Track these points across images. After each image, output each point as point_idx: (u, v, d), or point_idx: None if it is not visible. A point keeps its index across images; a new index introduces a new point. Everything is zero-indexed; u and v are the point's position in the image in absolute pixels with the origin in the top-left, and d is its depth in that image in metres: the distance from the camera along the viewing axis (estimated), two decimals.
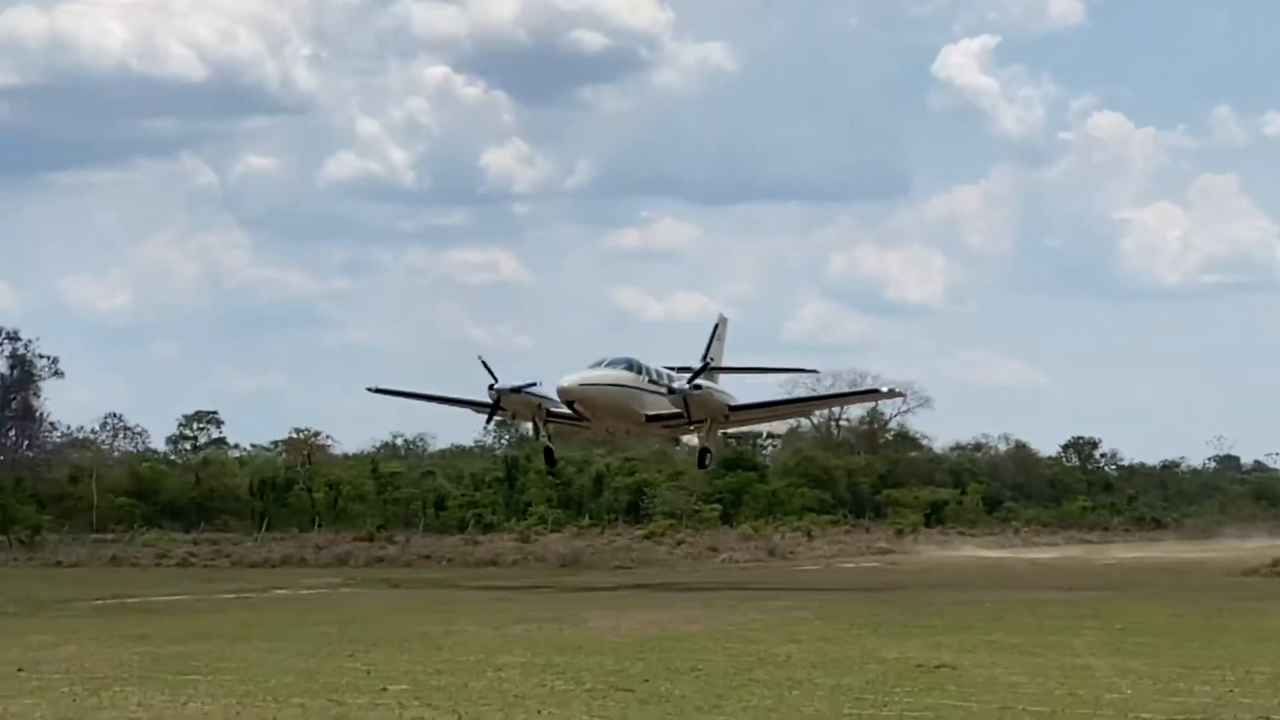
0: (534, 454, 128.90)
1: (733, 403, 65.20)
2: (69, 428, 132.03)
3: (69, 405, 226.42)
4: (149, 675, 28.84)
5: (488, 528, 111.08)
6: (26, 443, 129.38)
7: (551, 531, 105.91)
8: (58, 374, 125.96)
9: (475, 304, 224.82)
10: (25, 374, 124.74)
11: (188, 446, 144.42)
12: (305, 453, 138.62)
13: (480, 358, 64.68)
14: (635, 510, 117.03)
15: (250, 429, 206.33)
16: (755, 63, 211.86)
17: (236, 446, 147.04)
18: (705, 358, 68.55)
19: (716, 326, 71.08)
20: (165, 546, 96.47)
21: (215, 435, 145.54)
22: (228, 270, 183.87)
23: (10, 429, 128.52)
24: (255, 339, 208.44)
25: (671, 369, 66.96)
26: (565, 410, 62.90)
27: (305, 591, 62.30)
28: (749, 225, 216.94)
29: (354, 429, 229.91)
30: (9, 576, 75.05)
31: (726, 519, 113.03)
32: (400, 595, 59.51)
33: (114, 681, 27.81)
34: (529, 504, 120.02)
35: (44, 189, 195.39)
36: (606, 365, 62.56)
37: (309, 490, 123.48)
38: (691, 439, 71.89)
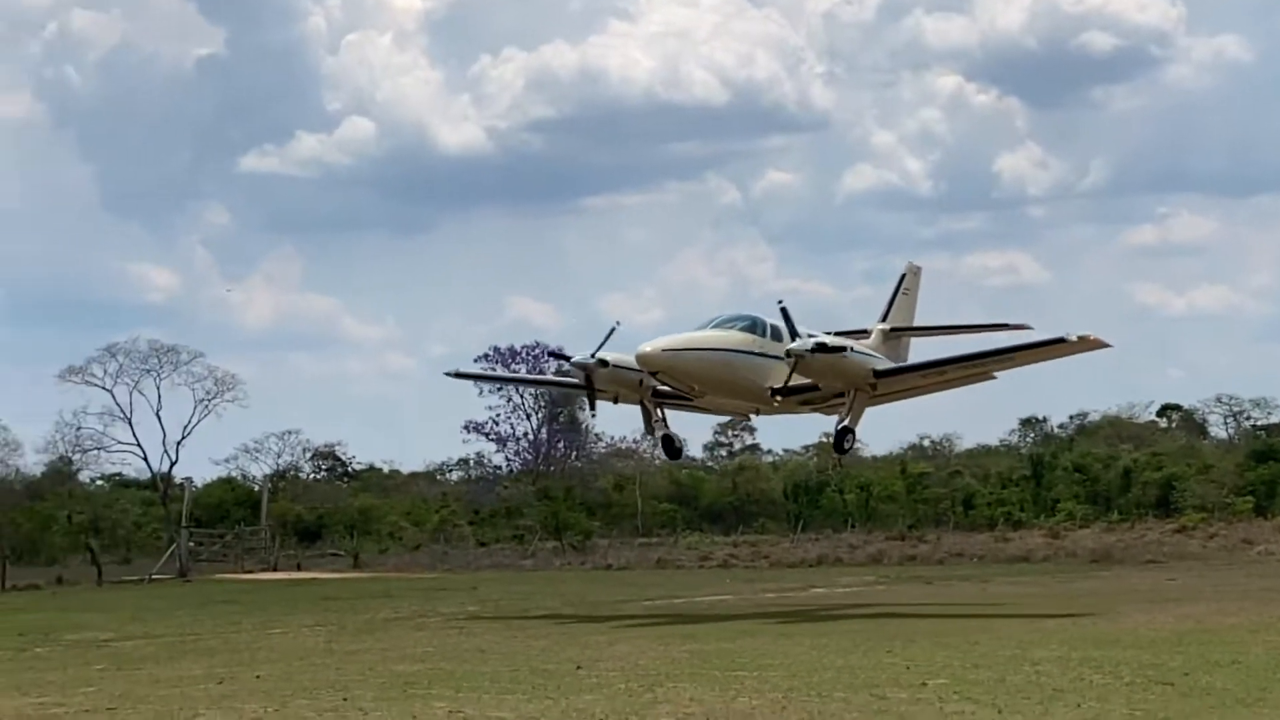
0: (1059, 451, 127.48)
1: (880, 366, 51.36)
2: (613, 438, 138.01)
3: (612, 417, 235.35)
4: (698, 672, 30.16)
5: (1016, 525, 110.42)
6: (574, 453, 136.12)
7: (1080, 527, 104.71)
8: None
9: (996, 306, 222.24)
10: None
11: (723, 453, 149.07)
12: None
13: (617, 324, 52.26)
14: (1165, 504, 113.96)
15: (782, 435, 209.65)
16: (1272, 53, 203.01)
17: (769, 452, 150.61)
18: (885, 315, 57.66)
19: (903, 277, 59.05)
20: (707, 549, 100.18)
21: (749, 442, 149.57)
22: (755, 282, 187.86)
23: (559, 441, 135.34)
24: None
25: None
26: (672, 387, 50.96)
27: (842, 590, 63.63)
28: (1269, 216, 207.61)
29: (881, 433, 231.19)
30: (565, 580, 79.10)
31: (1261, 511, 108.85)
32: (932, 591, 60.13)
33: (665, 678, 29.15)
34: (1057, 500, 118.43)
35: (580, 214, 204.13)
36: (715, 325, 50.45)
37: (840, 492, 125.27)
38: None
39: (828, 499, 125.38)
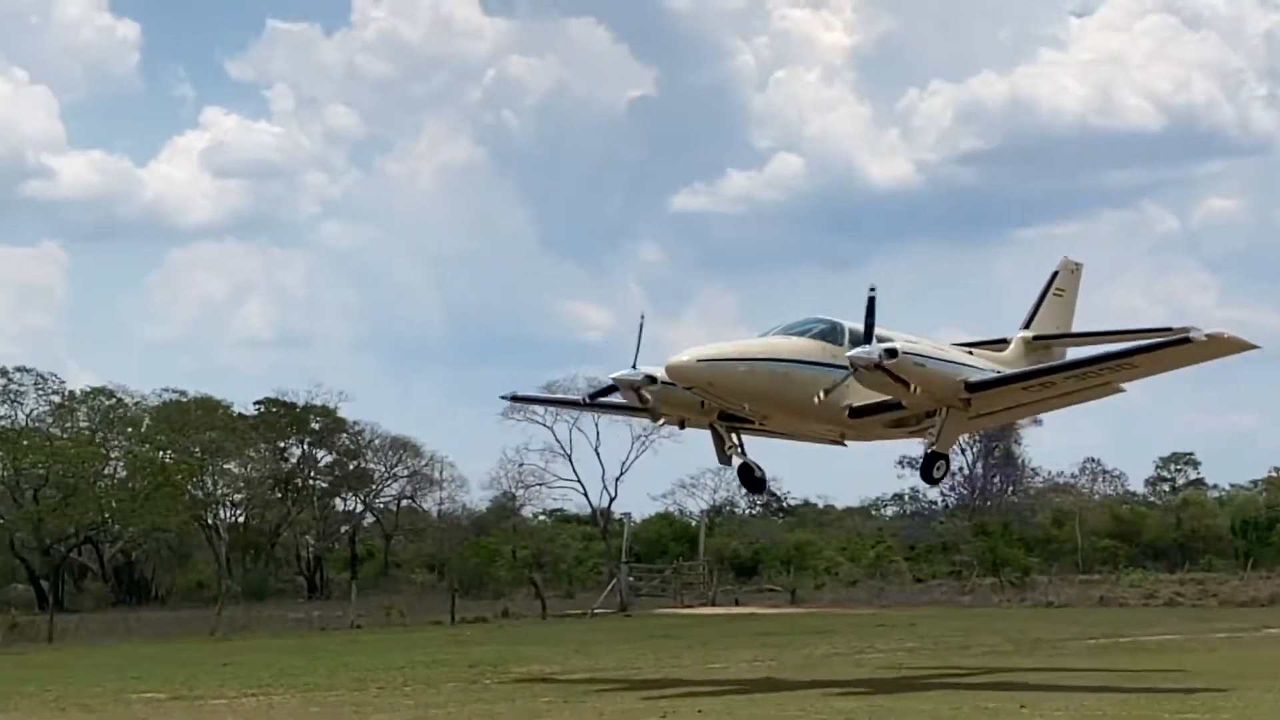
0: None
1: (973, 378, 42.34)
2: (1049, 473, 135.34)
3: (1048, 451, 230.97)
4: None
5: None
6: (1010, 488, 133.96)
7: None
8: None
9: None
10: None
11: (1166, 488, 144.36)
12: None
13: (641, 318, 44.47)
14: None
15: (1228, 469, 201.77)
16: None
17: (1215, 487, 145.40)
18: (1029, 320, 49.47)
19: (1055, 275, 50.52)
20: (1151, 586, 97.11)
21: (1193, 476, 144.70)
22: (1195, 312, 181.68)
23: (995, 475, 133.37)
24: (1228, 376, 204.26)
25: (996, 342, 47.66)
26: (739, 408, 42.71)
27: None
28: None
29: None
30: (1003, 617, 77.63)
31: None
32: None
33: None
34: None
35: (1010, 245, 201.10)
36: (783, 331, 42.84)
37: None
38: None
39: (1279, 535, 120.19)
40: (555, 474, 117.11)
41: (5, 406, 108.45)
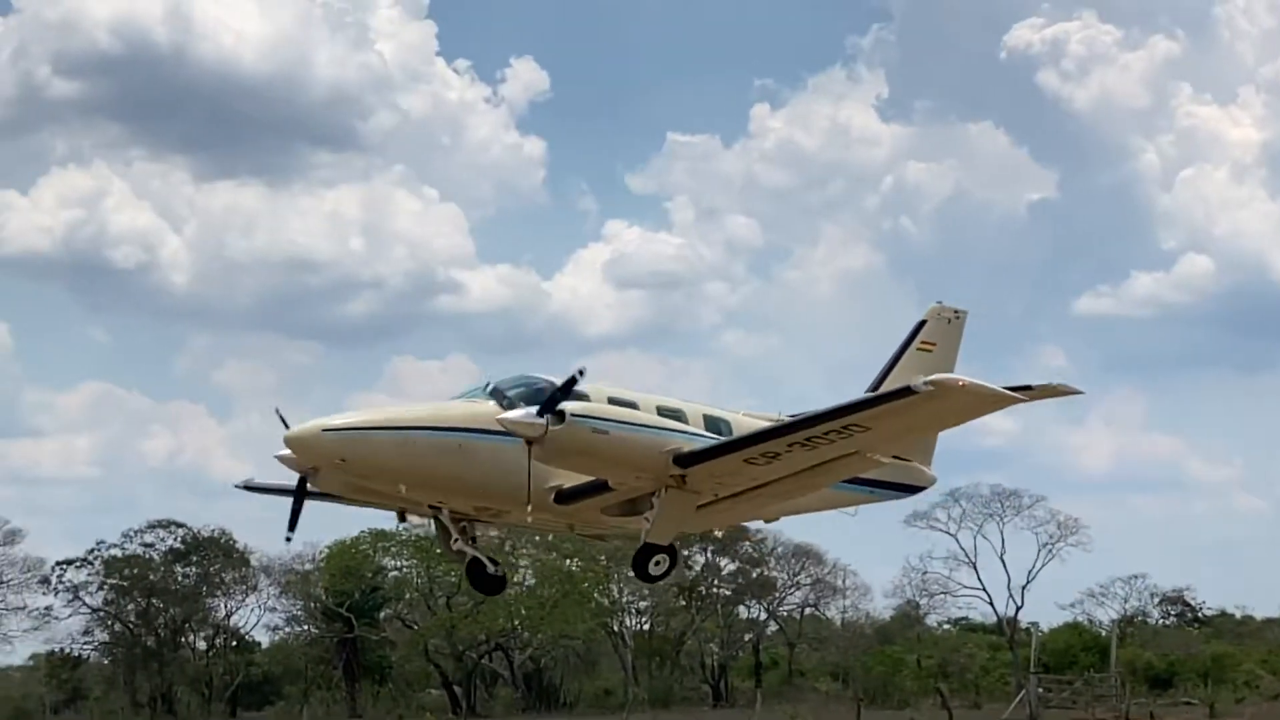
0: None
1: (688, 448, 34.15)
2: None
3: None
4: None
5: None
6: None
7: None
8: None
9: None
10: None
11: None
12: None
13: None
14: None
15: None
16: None
17: None
18: (878, 381, 42.42)
19: (921, 324, 43.45)
20: None
21: None
22: None
23: None
24: None
25: None
26: (394, 492, 35.27)
27: None
28: None
29: None
30: None
31: None
32: None
33: None
34: None
35: None
36: (469, 394, 35.19)
37: None
38: None
39: None
40: (960, 582, 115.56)
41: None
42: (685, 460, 34.12)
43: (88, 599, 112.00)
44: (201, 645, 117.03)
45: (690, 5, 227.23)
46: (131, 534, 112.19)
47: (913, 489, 43.63)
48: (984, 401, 33.78)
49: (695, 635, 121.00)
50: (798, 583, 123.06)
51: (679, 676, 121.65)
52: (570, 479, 35.10)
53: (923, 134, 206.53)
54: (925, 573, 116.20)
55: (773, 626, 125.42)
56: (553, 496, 35.42)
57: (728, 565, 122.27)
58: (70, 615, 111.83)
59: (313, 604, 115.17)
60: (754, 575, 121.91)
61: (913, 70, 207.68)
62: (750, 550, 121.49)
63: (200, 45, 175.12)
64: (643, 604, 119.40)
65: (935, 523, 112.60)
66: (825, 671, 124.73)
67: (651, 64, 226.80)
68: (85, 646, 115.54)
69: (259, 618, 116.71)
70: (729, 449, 34.63)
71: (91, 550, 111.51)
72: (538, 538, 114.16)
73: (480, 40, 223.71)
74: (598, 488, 35.29)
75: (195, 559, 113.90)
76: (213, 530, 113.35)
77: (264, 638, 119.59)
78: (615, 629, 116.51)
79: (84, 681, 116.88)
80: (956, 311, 43.80)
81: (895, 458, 39.61)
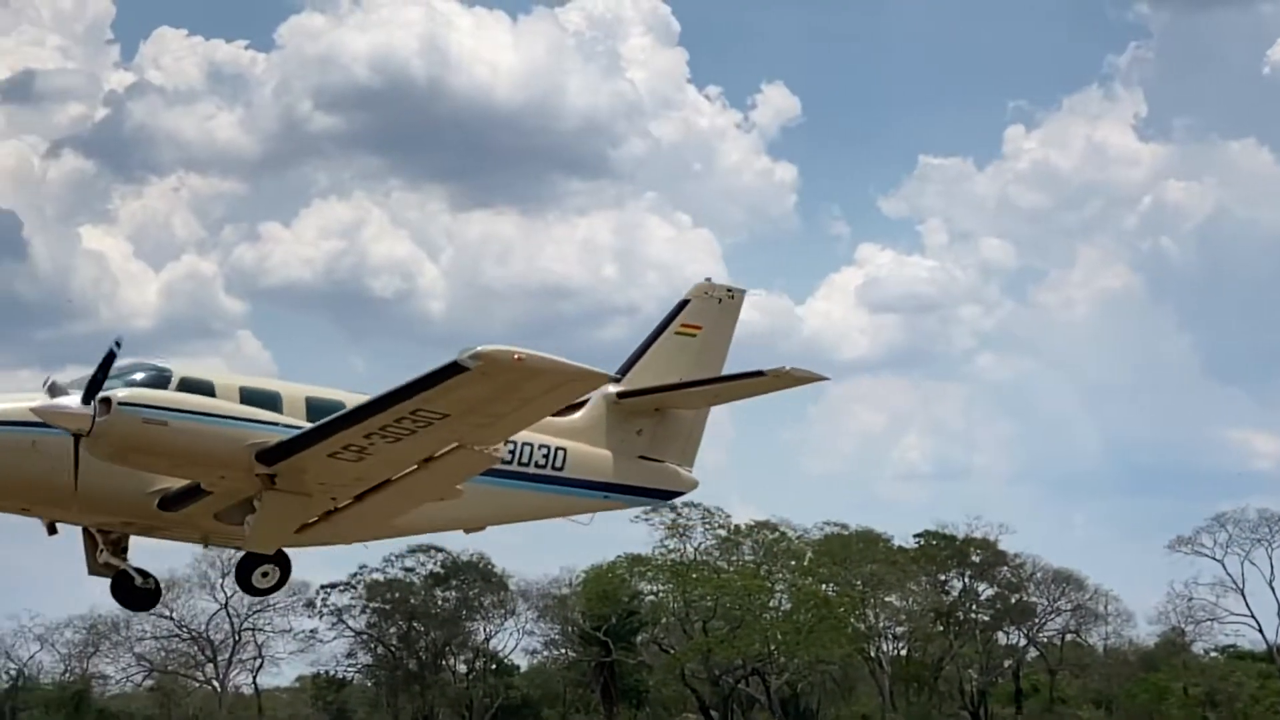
0: None
1: (275, 440, 30.34)
2: None
3: None
4: None
5: None
6: None
7: None
8: None
9: None
10: None
11: None
12: None
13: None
14: None
15: None
16: None
17: None
18: (626, 367, 38.59)
19: (683, 304, 39.80)
20: None
21: None
22: None
23: None
24: None
25: None
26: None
27: None
28: None
29: None
30: None
31: None
32: None
33: None
34: None
35: None
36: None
37: None
38: None
39: None
40: (1226, 609, 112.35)
41: (675, 540, 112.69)
42: (269, 456, 30.27)
43: (351, 622, 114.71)
44: (462, 668, 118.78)
45: (941, 27, 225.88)
46: (393, 558, 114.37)
47: (666, 494, 39.99)
48: (553, 378, 28.69)
49: (953, 661, 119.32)
50: (1058, 609, 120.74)
51: (937, 702, 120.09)
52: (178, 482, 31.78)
53: (1182, 152, 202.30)
54: (1191, 599, 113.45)
55: (1033, 653, 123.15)
56: (156, 502, 32.29)
57: (985, 590, 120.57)
58: (335, 638, 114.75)
59: (570, 628, 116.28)
60: (1013, 601, 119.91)
61: (1172, 88, 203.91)
62: (1009, 575, 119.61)
63: (455, 77, 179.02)
64: (899, 629, 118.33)
65: (1201, 548, 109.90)
66: (1088, 699, 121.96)
67: (902, 87, 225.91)
68: (349, 669, 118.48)
69: (517, 641, 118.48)
70: (305, 442, 30.51)
71: (354, 574, 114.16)
72: (793, 562, 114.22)
73: (731, 67, 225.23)
74: (195, 491, 31.84)
75: (455, 583, 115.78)
76: (471, 555, 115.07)
77: (522, 661, 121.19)
78: (872, 654, 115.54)
79: (348, 703, 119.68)
80: (730, 290, 40.09)
81: (643, 458, 37.32)
